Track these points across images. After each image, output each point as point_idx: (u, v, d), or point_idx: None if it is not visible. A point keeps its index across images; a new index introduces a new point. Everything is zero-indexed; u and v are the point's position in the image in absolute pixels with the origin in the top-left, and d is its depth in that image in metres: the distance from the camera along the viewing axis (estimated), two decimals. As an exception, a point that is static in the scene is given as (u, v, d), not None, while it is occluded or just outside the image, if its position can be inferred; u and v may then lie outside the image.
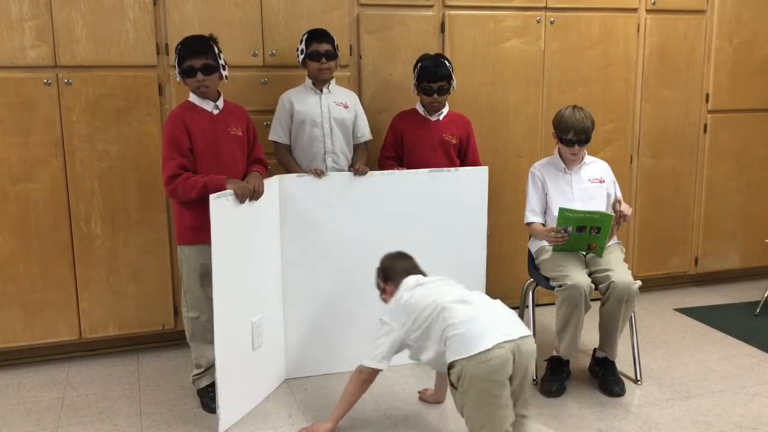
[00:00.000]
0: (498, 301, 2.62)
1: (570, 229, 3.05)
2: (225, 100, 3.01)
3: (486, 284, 3.56)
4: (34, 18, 3.20)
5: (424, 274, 2.82)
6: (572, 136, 3.17)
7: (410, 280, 2.73)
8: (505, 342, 2.38)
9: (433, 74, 3.38)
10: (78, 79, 3.28)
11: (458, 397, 2.46)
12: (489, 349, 2.36)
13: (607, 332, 3.14)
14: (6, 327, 3.36)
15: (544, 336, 3.66)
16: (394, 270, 2.81)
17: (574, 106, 3.23)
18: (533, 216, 3.30)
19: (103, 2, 3.27)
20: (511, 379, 2.40)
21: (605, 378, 3.18)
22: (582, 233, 3.06)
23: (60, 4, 3.21)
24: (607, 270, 3.07)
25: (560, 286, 3.03)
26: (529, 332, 2.49)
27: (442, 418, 2.93)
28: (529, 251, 3.46)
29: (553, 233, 3.09)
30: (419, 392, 3.13)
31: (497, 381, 2.38)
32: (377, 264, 2.89)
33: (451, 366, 2.43)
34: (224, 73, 2.95)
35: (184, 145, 2.86)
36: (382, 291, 2.85)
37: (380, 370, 2.68)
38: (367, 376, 2.73)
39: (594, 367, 3.29)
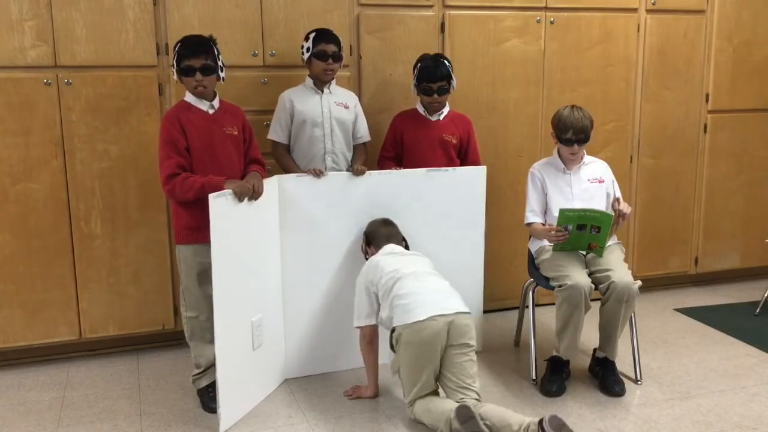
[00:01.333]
0: (447, 283, 2.94)
1: (570, 227, 3.05)
2: (220, 100, 3.02)
3: (485, 284, 3.57)
4: (34, 18, 3.20)
5: (406, 243, 3.18)
6: (571, 135, 3.17)
7: (387, 248, 3.06)
8: (438, 315, 2.74)
9: (432, 74, 3.38)
10: (78, 79, 3.28)
11: (395, 358, 2.84)
12: (422, 321, 2.73)
13: (608, 332, 3.14)
14: (6, 327, 3.36)
15: (544, 336, 3.66)
16: (378, 235, 3.12)
17: (573, 106, 3.23)
18: (533, 216, 3.30)
19: (103, 2, 3.27)
20: (446, 349, 2.76)
21: (605, 378, 3.18)
22: (582, 232, 3.06)
23: (60, 4, 3.21)
24: (608, 270, 3.07)
25: (560, 286, 3.03)
26: (467, 309, 2.84)
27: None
28: (529, 251, 3.46)
29: (553, 232, 3.09)
30: (346, 393, 3.14)
31: (427, 349, 2.74)
32: (365, 228, 3.17)
33: (393, 330, 2.82)
34: (222, 74, 2.96)
35: (180, 145, 2.86)
36: (366, 254, 3.15)
37: (375, 325, 2.98)
38: (369, 337, 3.01)
39: (594, 367, 3.29)
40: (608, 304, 3.05)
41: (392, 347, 2.85)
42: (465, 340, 2.78)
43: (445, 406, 2.70)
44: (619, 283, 3.00)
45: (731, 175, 4.53)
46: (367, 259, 3.11)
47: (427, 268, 2.99)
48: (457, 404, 2.66)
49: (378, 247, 3.08)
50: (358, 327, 3.02)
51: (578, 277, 3.01)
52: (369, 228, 3.18)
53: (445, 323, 2.74)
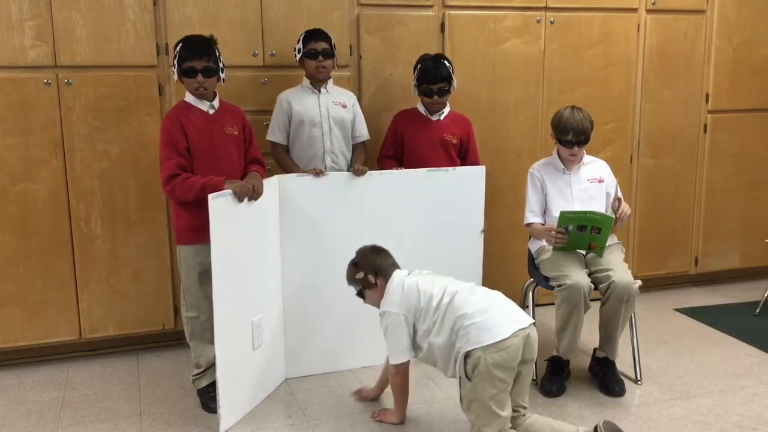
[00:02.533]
0: (498, 292, 2.71)
1: (570, 228, 3.05)
2: (220, 100, 3.02)
3: (485, 284, 3.55)
4: (34, 18, 3.20)
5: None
6: (571, 137, 3.17)
7: (401, 272, 2.79)
8: (519, 330, 2.49)
9: (432, 76, 3.38)
10: (78, 79, 3.28)
11: (469, 387, 2.50)
12: (507, 338, 2.46)
13: (608, 332, 3.14)
14: (6, 327, 3.36)
15: (544, 336, 3.66)
16: (383, 264, 2.81)
17: (573, 107, 3.22)
18: (533, 216, 3.30)
19: (103, 2, 3.27)
20: (519, 364, 2.52)
21: (605, 378, 3.18)
22: (583, 233, 3.06)
23: (60, 4, 3.21)
24: (608, 270, 3.07)
25: (560, 285, 3.03)
26: (533, 320, 2.61)
27: (443, 418, 2.93)
28: (529, 251, 3.46)
29: (553, 233, 3.09)
30: (354, 392, 3.11)
31: (511, 368, 2.48)
32: (356, 260, 2.83)
33: (467, 355, 2.48)
34: (222, 75, 2.96)
35: (181, 145, 2.86)
36: (372, 286, 2.78)
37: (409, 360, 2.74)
38: (405, 372, 2.78)
39: (594, 367, 3.29)
40: (608, 304, 3.05)
41: (466, 376, 2.50)
42: (535, 354, 2.57)
43: (563, 427, 2.54)
44: (619, 282, 3.00)
45: (731, 175, 4.53)
46: (365, 290, 2.81)
47: (462, 282, 2.74)
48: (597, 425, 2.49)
49: (387, 277, 2.77)
50: (398, 364, 2.73)
51: (577, 276, 3.01)
52: (371, 259, 2.81)
53: (523, 337, 2.50)
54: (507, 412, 2.50)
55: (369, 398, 3.07)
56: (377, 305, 2.77)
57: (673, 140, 4.36)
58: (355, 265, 2.82)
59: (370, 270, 2.79)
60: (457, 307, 2.56)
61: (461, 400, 2.57)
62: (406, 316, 2.66)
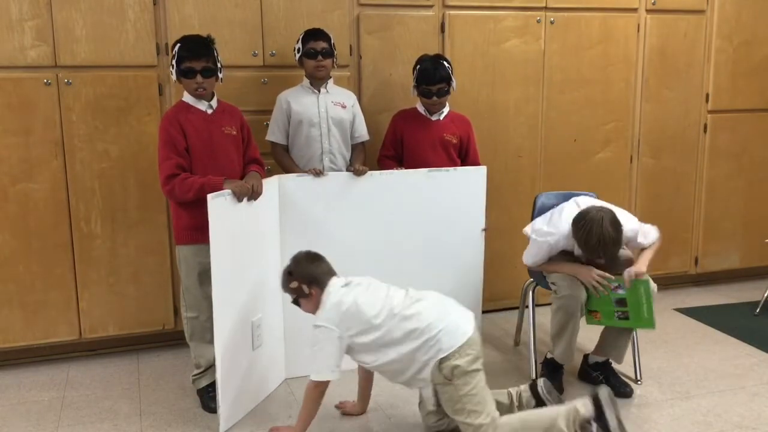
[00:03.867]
0: (435, 293, 2.73)
1: (620, 291, 2.96)
2: (219, 100, 3.02)
3: (485, 284, 3.57)
4: (34, 18, 3.20)
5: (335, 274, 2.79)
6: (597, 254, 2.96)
7: (337, 282, 2.71)
8: (474, 325, 2.61)
9: (431, 77, 3.38)
10: (78, 79, 3.28)
11: (451, 391, 2.53)
12: (471, 335, 2.55)
13: (619, 341, 3.10)
14: (6, 327, 3.36)
15: (544, 336, 3.66)
16: (318, 273, 2.71)
17: (602, 220, 2.87)
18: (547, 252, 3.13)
19: (103, 2, 3.27)
20: None
21: (610, 381, 3.13)
22: (618, 307, 2.99)
23: (60, 4, 3.21)
24: (618, 274, 3.01)
25: (557, 293, 3.03)
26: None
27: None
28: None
29: (598, 278, 2.96)
30: (337, 406, 3.01)
31: (481, 357, 2.58)
32: (291, 268, 2.73)
33: (443, 361, 2.51)
34: (220, 75, 2.96)
35: (180, 145, 2.86)
36: (306, 296, 2.70)
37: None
38: (324, 389, 2.66)
39: (590, 372, 3.22)
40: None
41: (447, 380, 2.53)
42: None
43: (543, 412, 2.57)
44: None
45: (731, 175, 4.53)
46: (300, 299, 2.73)
47: (399, 290, 2.72)
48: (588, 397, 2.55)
49: (322, 287, 2.69)
50: (320, 381, 2.63)
51: (575, 288, 2.99)
52: (305, 268, 2.72)
53: (478, 329, 2.62)
54: (489, 394, 2.58)
55: (354, 413, 2.97)
56: (313, 313, 2.71)
57: (673, 140, 4.36)
58: (289, 274, 2.73)
59: (304, 279, 2.69)
60: (412, 323, 2.56)
61: (443, 406, 2.60)
62: (341, 335, 2.60)
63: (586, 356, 3.26)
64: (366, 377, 2.93)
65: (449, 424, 2.73)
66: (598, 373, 3.19)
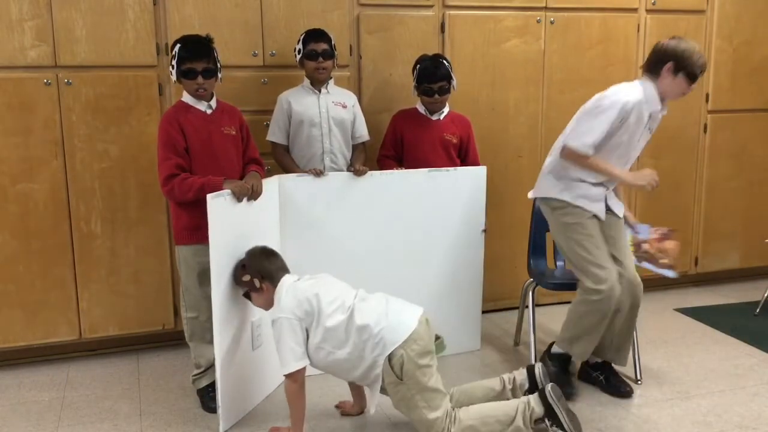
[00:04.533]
0: (381, 293, 2.74)
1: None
2: (218, 100, 3.02)
3: (485, 284, 3.57)
4: (34, 18, 3.20)
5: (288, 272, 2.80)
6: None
7: (290, 278, 2.72)
8: (419, 317, 2.60)
9: (433, 75, 3.38)
10: (78, 79, 3.28)
11: (403, 387, 2.54)
12: (416, 327, 2.55)
13: (620, 341, 3.07)
14: (6, 327, 3.36)
15: (544, 336, 3.67)
16: (272, 268, 2.73)
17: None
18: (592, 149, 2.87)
19: (103, 2, 3.27)
20: None
21: (610, 381, 3.12)
22: None
23: (60, 4, 3.21)
24: (618, 261, 2.98)
25: (595, 289, 2.87)
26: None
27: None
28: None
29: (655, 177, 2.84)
30: (337, 406, 3.02)
31: (430, 351, 2.59)
32: (244, 261, 2.76)
33: (390, 357, 2.53)
34: (220, 75, 2.97)
35: (180, 145, 2.86)
36: (257, 290, 2.72)
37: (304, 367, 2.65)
38: (302, 380, 2.66)
39: (590, 372, 3.20)
40: (622, 313, 2.98)
41: (397, 376, 2.54)
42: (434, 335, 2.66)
43: (501, 406, 2.60)
44: (632, 281, 2.98)
45: (731, 175, 4.53)
46: (251, 293, 2.76)
47: (348, 287, 2.76)
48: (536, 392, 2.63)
49: (275, 282, 2.70)
50: (291, 373, 2.62)
51: (613, 278, 2.87)
52: (259, 262, 2.74)
53: (425, 322, 2.61)
54: (443, 388, 2.59)
55: (354, 413, 2.96)
56: (264, 308, 2.75)
57: (673, 140, 4.35)
58: (242, 267, 2.75)
59: (257, 273, 2.71)
60: (359, 320, 2.57)
61: (397, 406, 2.62)
62: (300, 320, 2.60)
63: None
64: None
65: None
66: (599, 373, 3.17)
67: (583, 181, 2.95)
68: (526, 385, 2.77)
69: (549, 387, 2.63)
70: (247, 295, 2.80)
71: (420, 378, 2.54)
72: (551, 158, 3.08)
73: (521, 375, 2.80)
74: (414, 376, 2.53)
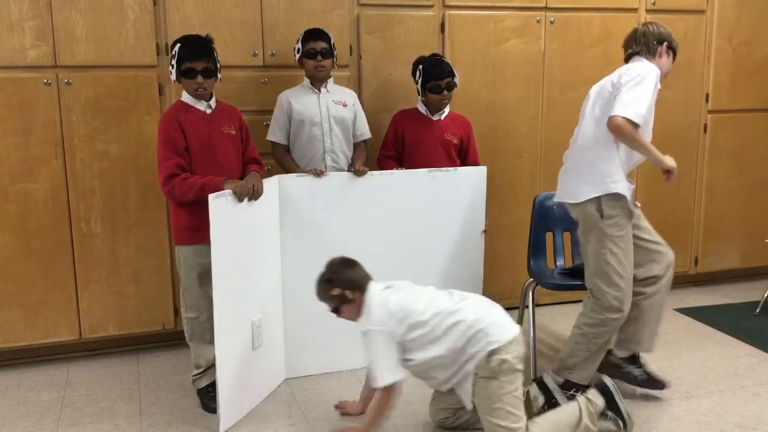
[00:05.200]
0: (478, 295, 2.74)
1: None
2: (217, 100, 3.02)
3: (485, 284, 3.57)
4: (34, 18, 3.20)
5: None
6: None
7: (377, 285, 2.69)
8: (519, 328, 2.59)
9: (440, 72, 3.39)
10: (78, 79, 3.28)
11: (494, 388, 2.49)
12: (517, 335, 2.54)
13: (656, 324, 3.02)
14: (6, 327, 3.36)
15: (544, 336, 3.66)
16: (357, 277, 2.69)
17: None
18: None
19: (103, 2, 3.27)
20: None
21: (650, 374, 3.07)
22: None
23: (60, 4, 3.21)
24: (658, 244, 2.99)
25: (617, 308, 2.85)
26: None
27: (442, 418, 2.93)
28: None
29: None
30: (337, 406, 2.99)
31: (523, 364, 2.56)
32: (329, 275, 2.70)
33: (492, 353, 2.48)
34: (220, 75, 2.97)
35: (180, 145, 2.86)
36: (349, 302, 2.67)
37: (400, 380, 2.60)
38: (394, 392, 2.60)
39: (622, 366, 3.08)
40: (660, 294, 3.00)
41: (493, 376, 2.51)
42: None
43: (567, 411, 2.60)
44: (671, 262, 3.02)
45: (731, 175, 4.53)
46: (342, 306, 2.69)
47: (441, 290, 2.72)
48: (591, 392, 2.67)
49: (363, 292, 2.67)
50: (390, 385, 2.56)
51: (628, 297, 2.88)
52: (343, 275, 2.70)
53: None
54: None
55: (354, 413, 2.93)
56: (352, 319, 2.70)
57: (673, 140, 4.35)
58: (328, 282, 2.69)
59: (347, 285, 2.67)
60: (460, 317, 2.55)
61: (479, 404, 2.54)
62: (392, 334, 2.56)
63: (611, 351, 3.11)
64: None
65: (455, 420, 2.77)
66: (635, 366, 3.08)
67: (613, 175, 2.87)
68: (542, 400, 2.79)
69: (605, 378, 2.68)
70: (335, 311, 2.72)
71: (514, 381, 2.51)
72: (577, 155, 2.96)
73: (534, 388, 2.81)
74: (509, 377, 2.50)
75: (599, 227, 2.86)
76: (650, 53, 2.93)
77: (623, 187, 2.86)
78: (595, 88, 2.96)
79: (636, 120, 2.72)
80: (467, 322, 2.53)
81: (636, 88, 2.75)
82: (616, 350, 3.10)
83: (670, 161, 2.88)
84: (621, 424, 2.70)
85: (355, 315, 2.68)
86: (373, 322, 2.58)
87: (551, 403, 2.74)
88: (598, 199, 2.85)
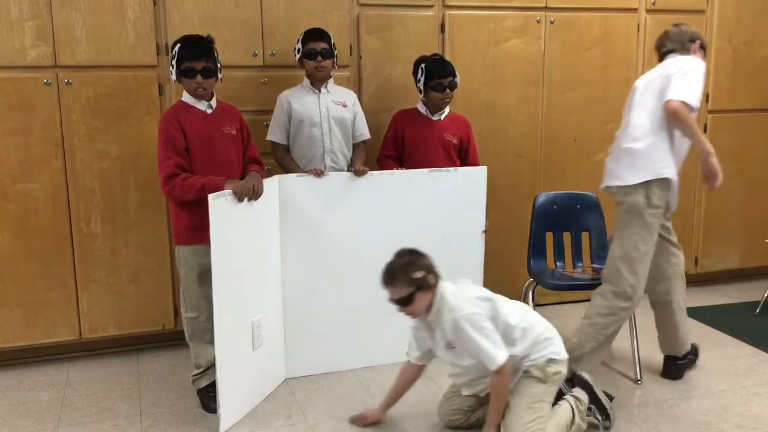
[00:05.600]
0: None
1: None
2: (217, 100, 3.02)
3: (485, 284, 3.56)
4: (34, 18, 3.20)
5: None
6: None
7: (446, 281, 2.65)
8: None
9: (443, 70, 3.40)
10: (78, 79, 3.28)
11: (540, 388, 2.58)
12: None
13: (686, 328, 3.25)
14: (6, 327, 3.36)
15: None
16: (434, 265, 2.61)
17: None
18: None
19: (103, 2, 3.27)
20: None
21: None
22: None
23: (60, 4, 3.21)
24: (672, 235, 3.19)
25: (628, 296, 2.94)
26: None
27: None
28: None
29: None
30: (353, 420, 2.88)
31: None
32: (409, 259, 2.56)
33: (551, 362, 2.60)
34: (220, 75, 2.97)
35: (180, 145, 2.86)
36: (429, 287, 2.55)
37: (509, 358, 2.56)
38: (509, 373, 2.57)
39: (683, 362, 3.29)
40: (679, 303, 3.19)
41: (545, 379, 2.60)
42: None
43: (563, 412, 2.67)
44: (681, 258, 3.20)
45: (731, 175, 4.52)
46: (411, 300, 2.55)
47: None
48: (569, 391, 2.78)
49: (438, 280, 2.61)
50: (502, 364, 2.51)
51: (641, 288, 2.99)
52: (423, 260, 2.59)
53: None
54: None
55: (375, 421, 2.85)
56: (422, 312, 2.59)
57: (673, 140, 4.35)
58: (410, 265, 2.53)
59: (429, 269, 2.56)
60: (531, 322, 2.64)
61: (519, 400, 2.57)
62: (493, 315, 2.56)
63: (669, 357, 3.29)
64: (410, 379, 2.83)
65: (466, 421, 2.79)
66: (688, 359, 3.28)
67: (664, 161, 2.91)
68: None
69: (584, 374, 2.81)
70: (405, 301, 2.55)
71: (553, 393, 2.63)
72: (628, 144, 2.98)
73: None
74: (553, 388, 2.63)
75: (643, 215, 2.94)
76: (684, 50, 3.03)
77: (673, 173, 2.92)
78: (641, 81, 3.04)
79: (692, 103, 2.79)
80: (539, 329, 2.64)
81: (687, 75, 2.84)
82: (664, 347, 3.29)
83: (713, 156, 2.83)
84: (604, 416, 2.79)
85: (426, 305, 2.57)
86: (462, 308, 2.53)
87: (595, 399, 2.80)
88: (647, 184, 2.91)
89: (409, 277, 2.52)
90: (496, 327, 2.55)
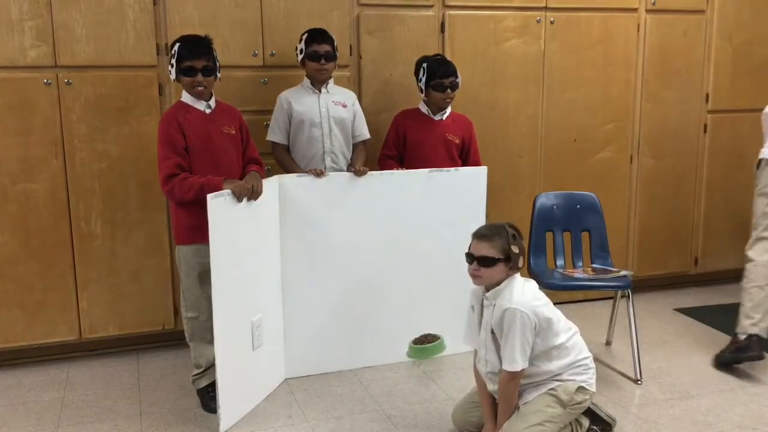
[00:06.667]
0: None
1: None
2: (217, 100, 3.02)
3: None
4: (34, 18, 3.20)
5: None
6: None
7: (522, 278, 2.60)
8: None
9: (445, 70, 3.40)
10: (78, 79, 3.28)
11: (557, 411, 2.54)
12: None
13: None
14: (6, 327, 3.36)
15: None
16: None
17: None
18: None
19: (103, 2, 3.27)
20: None
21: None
22: None
23: (60, 4, 3.21)
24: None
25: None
26: None
27: (443, 418, 2.93)
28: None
29: None
30: None
31: None
32: (516, 233, 2.52)
33: (581, 390, 2.57)
34: (219, 75, 2.97)
35: (179, 145, 2.86)
36: (515, 266, 2.51)
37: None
38: (519, 379, 2.55)
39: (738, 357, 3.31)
40: None
41: (565, 403, 2.56)
42: None
43: None
44: None
45: (731, 175, 4.53)
46: (489, 263, 2.50)
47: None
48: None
49: (519, 269, 2.55)
50: (515, 372, 2.49)
51: None
52: (522, 243, 2.56)
53: None
54: None
55: None
56: (487, 281, 2.53)
57: (673, 140, 4.36)
58: (515, 237, 2.51)
59: (523, 253, 2.54)
60: (578, 346, 2.62)
61: (526, 413, 2.53)
62: (535, 326, 2.48)
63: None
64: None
65: (477, 424, 2.74)
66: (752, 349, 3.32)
67: None
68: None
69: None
70: (487, 261, 2.49)
71: (567, 418, 2.59)
72: None
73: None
74: (571, 415, 2.59)
75: None
76: None
77: None
78: None
79: None
80: (582, 354, 2.61)
81: None
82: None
83: None
84: (604, 426, 2.76)
85: (496, 280, 2.53)
86: (520, 303, 2.48)
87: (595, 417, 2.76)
88: None
89: (508, 246, 2.50)
90: (538, 338, 2.51)
